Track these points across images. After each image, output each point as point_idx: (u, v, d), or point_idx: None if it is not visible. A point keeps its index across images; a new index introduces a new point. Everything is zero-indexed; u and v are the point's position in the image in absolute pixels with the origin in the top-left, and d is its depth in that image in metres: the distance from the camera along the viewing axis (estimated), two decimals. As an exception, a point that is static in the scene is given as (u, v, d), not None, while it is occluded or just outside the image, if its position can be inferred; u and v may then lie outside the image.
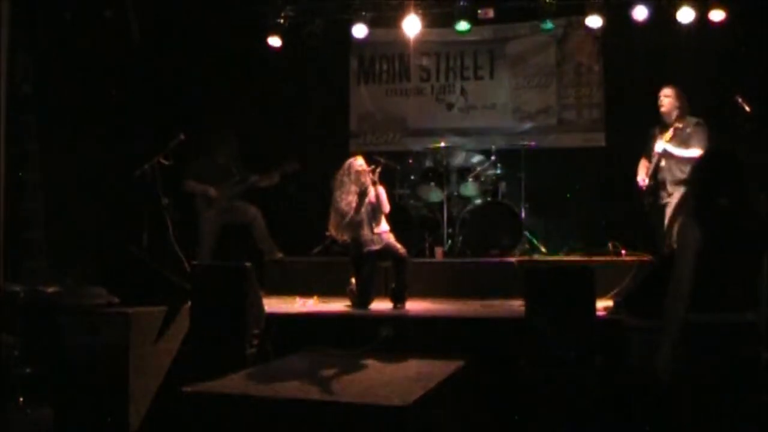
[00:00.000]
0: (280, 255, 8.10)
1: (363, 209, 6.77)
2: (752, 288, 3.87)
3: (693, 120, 6.52)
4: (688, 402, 3.92)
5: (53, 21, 8.08)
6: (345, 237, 6.87)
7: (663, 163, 6.55)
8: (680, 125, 6.45)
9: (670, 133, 6.37)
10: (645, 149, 6.87)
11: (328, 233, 7.22)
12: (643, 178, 6.70)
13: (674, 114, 6.57)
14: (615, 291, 6.46)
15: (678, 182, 6.46)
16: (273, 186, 8.12)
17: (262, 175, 8.05)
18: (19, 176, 7.55)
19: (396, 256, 6.75)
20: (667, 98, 6.55)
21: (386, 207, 6.90)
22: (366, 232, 6.80)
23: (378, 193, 6.83)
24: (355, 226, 6.76)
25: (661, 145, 6.42)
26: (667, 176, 6.50)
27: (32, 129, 7.80)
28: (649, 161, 6.72)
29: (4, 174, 7.05)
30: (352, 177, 6.81)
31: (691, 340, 3.87)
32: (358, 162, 6.92)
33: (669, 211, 6.51)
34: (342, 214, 6.76)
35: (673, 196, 6.50)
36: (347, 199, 6.76)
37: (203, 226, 7.95)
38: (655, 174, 6.57)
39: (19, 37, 7.41)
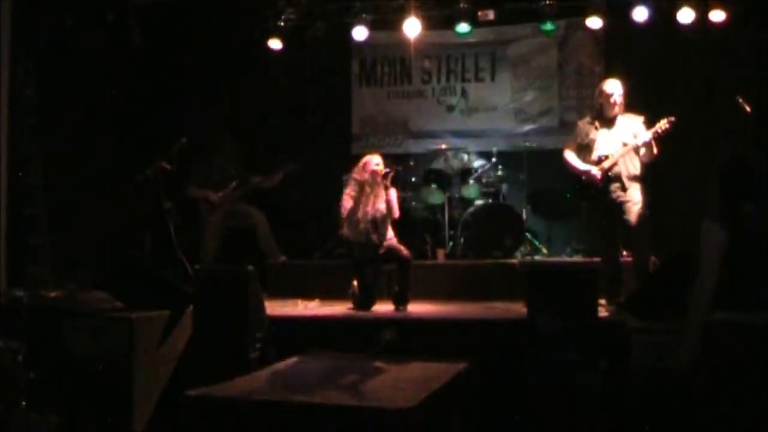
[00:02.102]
0: (282, 258, 8.11)
1: (371, 213, 6.77)
2: None
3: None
4: (704, 397, 3.99)
5: (54, 25, 8.10)
6: (357, 237, 6.85)
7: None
8: (635, 118, 6.47)
9: (663, 125, 6.26)
10: (580, 140, 6.63)
11: (340, 232, 7.18)
12: (598, 170, 6.44)
13: (622, 107, 6.54)
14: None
15: (633, 178, 6.40)
16: (275, 187, 8.12)
17: (263, 177, 8.06)
18: (22, 180, 7.56)
19: (399, 259, 6.75)
20: (619, 91, 6.50)
21: (396, 213, 6.89)
22: (372, 235, 6.80)
23: (389, 199, 6.82)
24: (363, 231, 6.77)
25: (645, 136, 6.28)
26: (623, 171, 6.42)
27: (34, 133, 7.82)
28: (588, 153, 6.52)
29: (6, 178, 7.07)
30: (366, 175, 6.81)
31: (711, 338, 3.93)
32: (375, 161, 6.90)
33: (634, 209, 6.38)
34: (353, 211, 6.77)
35: (629, 193, 6.39)
36: (359, 198, 6.77)
37: (206, 230, 7.95)
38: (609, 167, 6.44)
39: (20, 41, 7.43)
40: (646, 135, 6.26)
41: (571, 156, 6.63)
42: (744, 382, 3.91)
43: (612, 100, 6.46)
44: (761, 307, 3.95)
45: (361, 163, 6.94)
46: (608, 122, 6.53)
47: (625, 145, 6.36)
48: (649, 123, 6.37)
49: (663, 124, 6.23)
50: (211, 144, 8.22)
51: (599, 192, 6.44)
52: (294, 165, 8.03)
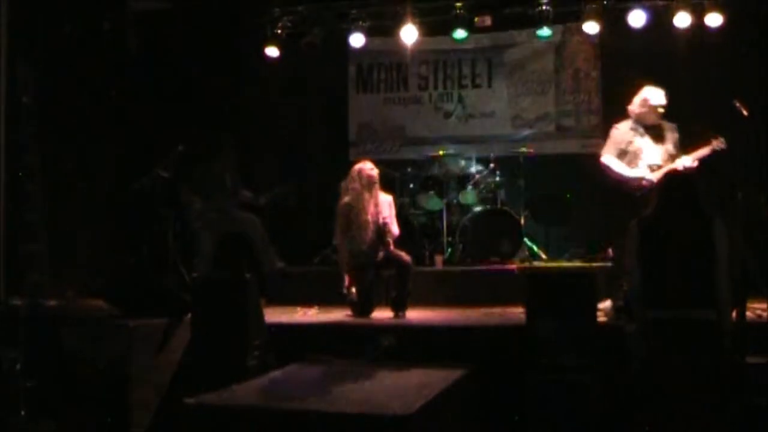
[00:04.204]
0: (281, 264, 8.09)
1: (372, 218, 6.77)
2: None
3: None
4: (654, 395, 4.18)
5: (53, 32, 8.10)
6: (358, 245, 6.83)
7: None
8: (670, 125, 6.47)
9: (719, 144, 6.26)
10: (624, 146, 6.56)
11: (335, 241, 7.17)
12: (651, 178, 6.38)
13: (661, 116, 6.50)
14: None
15: None
16: (262, 206, 8.14)
17: (253, 195, 8.07)
18: (20, 188, 7.55)
19: (400, 265, 6.73)
20: (664, 101, 6.43)
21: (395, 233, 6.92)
22: (375, 240, 6.79)
23: (388, 203, 6.84)
24: (364, 238, 6.77)
25: (686, 160, 6.27)
26: None
27: (32, 140, 7.81)
28: (631, 159, 6.44)
29: (4, 186, 7.06)
30: (363, 182, 6.82)
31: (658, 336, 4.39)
32: (368, 166, 6.91)
33: None
34: (352, 219, 6.77)
35: None
36: (359, 206, 6.77)
37: (202, 236, 7.94)
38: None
39: (18, 48, 7.43)
40: (703, 151, 6.25)
41: (613, 161, 6.47)
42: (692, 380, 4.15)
43: (658, 110, 6.39)
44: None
45: (354, 172, 6.93)
46: (650, 130, 6.43)
47: (670, 154, 6.31)
48: (680, 130, 6.36)
49: (719, 143, 6.21)
50: (209, 151, 8.22)
51: (640, 198, 6.33)
52: (286, 187, 8.08)
